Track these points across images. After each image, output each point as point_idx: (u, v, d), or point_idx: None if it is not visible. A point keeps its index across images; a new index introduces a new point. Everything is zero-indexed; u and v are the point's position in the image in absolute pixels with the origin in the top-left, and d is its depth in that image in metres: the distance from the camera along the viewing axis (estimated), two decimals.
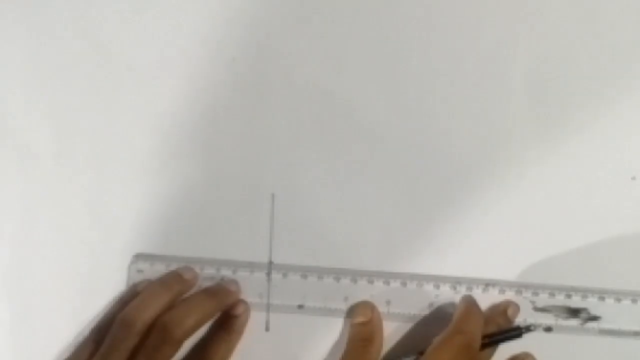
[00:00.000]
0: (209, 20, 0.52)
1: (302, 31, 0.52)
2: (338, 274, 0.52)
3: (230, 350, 0.52)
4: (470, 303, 0.50)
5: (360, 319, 0.51)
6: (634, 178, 0.52)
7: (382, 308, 0.51)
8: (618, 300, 0.50)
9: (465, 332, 0.47)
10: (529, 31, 0.52)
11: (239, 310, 0.52)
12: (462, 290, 0.51)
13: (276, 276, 0.52)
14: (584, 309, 0.50)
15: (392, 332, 0.52)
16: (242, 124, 0.53)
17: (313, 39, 0.52)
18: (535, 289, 0.51)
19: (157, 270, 0.52)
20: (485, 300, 0.51)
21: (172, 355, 0.48)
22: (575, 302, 0.51)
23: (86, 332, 0.51)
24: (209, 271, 0.52)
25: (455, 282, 0.51)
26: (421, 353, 0.47)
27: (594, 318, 0.50)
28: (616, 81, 0.52)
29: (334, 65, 0.52)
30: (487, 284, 0.51)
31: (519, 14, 0.52)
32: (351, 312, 0.52)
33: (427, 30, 0.52)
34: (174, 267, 0.52)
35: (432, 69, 0.52)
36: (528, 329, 0.49)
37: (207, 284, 0.52)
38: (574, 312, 0.51)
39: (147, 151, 0.53)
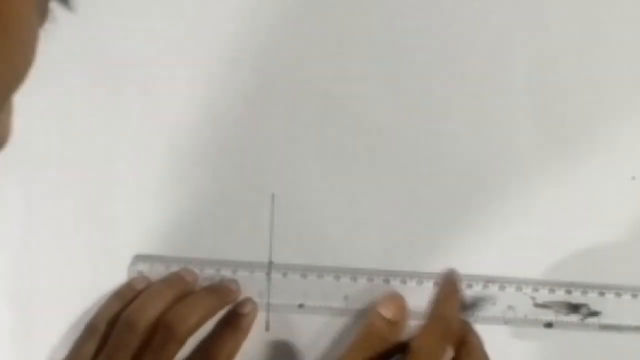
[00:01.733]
0: (208, 20, 0.53)
1: (302, 31, 0.53)
2: (338, 272, 0.52)
3: (236, 349, 0.51)
4: (446, 282, 0.49)
5: (389, 314, 0.49)
6: (634, 178, 0.52)
7: None
8: (618, 295, 0.50)
9: (444, 316, 0.47)
10: (530, 33, 0.52)
11: (247, 308, 0.52)
12: (462, 287, 0.51)
13: (276, 276, 0.52)
14: (584, 305, 0.51)
15: None
16: (242, 124, 0.53)
17: (313, 39, 0.53)
18: (535, 285, 0.51)
19: (157, 271, 0.52)
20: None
21: (177, 352, 0.48)
22: (576, 297, 0.51)
23: (80, 329, 0.51)
24: (209, 271, 0.52)
25: None
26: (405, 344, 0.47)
27: (595, 313, 0.51)
28: (616, 81, 0.52)
29: (334, 65, 0.53)
30: (487, 281, 0.51)
31: (520, 17, 0.52)
32: (382, 300, 0.50)
33: (428, 31, 0.52)
34: (174, 268, 0.52)
35: (433, 70, 0.52)
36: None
37: (207, 284, 0.52)
38: (574, 308, 0.51)
39: (146, 152, 0.53)
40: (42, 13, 0.28)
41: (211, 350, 0.51)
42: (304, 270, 0.52)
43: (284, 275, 0.52)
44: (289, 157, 0.53)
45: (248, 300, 0.52)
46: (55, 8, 0.30)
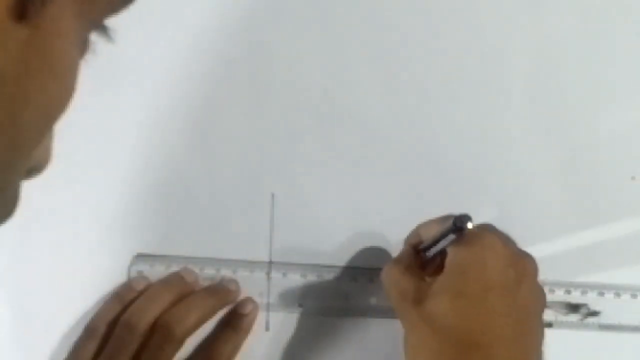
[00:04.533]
0: (208, 20, 0.53)
1: (302, 31, 0.53)
2: (338, 272, 0.52)
3: (236, 349, 0.51)
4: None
5: None
6: (633, 178, 0.52)
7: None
8: (617, 295, 0.51)
9: None
10: (529, 32, 0.52)
11: (247, 308, 0.52)
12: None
13: (276, 275, 0.52)
14: (584, 305, 0.51)
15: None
16: (242, 124, 0.53)
17: (313, 39, 0.53)
18: None
19: (157, 270, 0.52)
20: None
21: (174, 353, 0.48)
22: (575, 297, 0.51)
23: (80, 329, 0.51)
24: (209, 271, 0.52)
25: None
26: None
27: (594, 313, 0.51)
28: (616, 81, 0.52)
29: (334, 65, 0.53)
30: None
31: (519, 15, 0.52)
32: None
33: (427, 31, 0.53)
34: (174, 268, 0.52)
35: (431, 70, 0.53)
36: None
37: (207, 284, 0.52)
38: (574, 308, 0.51)
39: (147, 151, 0.53)
40: (83, 45, 0.30)
41: (212, 350, 0.51)
42: (304, 270, 0.52)
43: (284, 275, 0.52)
44: (289, 157, 0.53)
45: (249, 300, 0.52)
46: (95, 39, 0.31)
